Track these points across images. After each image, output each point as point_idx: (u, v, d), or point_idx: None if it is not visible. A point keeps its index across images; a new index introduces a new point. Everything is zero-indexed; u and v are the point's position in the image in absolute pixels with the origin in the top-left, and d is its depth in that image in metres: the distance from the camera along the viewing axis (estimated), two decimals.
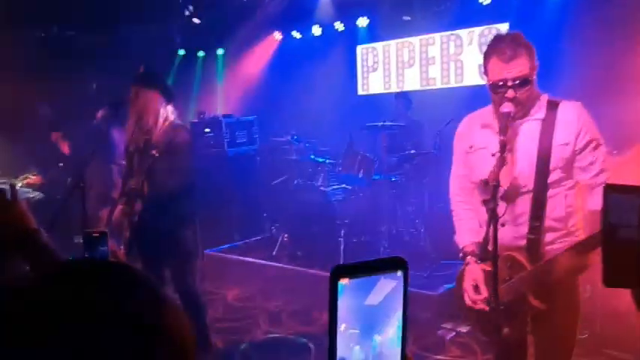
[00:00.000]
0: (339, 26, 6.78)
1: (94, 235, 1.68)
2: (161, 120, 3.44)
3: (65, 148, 4.97)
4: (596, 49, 4.63)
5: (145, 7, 6.17)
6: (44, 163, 6.02)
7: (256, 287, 5.18)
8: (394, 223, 5.12)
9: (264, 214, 6.22)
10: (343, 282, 0.51)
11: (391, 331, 0.54)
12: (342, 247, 4.90)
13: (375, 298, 0.53)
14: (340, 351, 0.51)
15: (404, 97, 5.98)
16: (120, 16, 6.25)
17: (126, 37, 6.43)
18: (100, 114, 4.94)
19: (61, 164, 5.24)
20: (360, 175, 5.21)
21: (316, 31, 6.92)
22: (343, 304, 0.51)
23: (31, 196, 5.92)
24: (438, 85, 6.38)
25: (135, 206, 3.44)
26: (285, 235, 5.46)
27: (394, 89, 6.58)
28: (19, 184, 7.08)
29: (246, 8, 6.36)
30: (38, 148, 5.48)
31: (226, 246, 5.95)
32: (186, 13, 6.63)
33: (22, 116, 5.16)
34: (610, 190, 0.80)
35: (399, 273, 0.53)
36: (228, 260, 5.63)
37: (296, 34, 7.09)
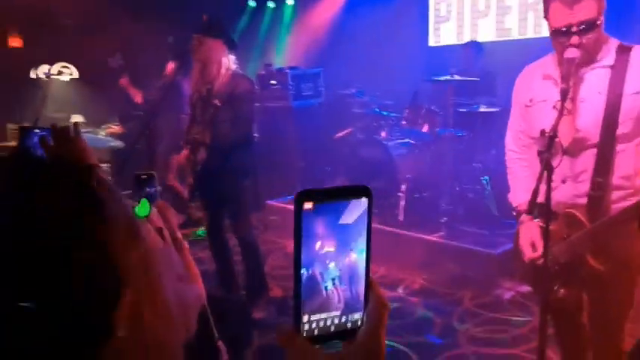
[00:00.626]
0: None
1: (142, 176, 1.73)
2: (223, 69, 3.49)
3: (138, 98, 5.16)
4: None
5: None
6: (125, 114, 6.32)
7: None
8: (458, 180, 4.97)
9: (327, 168, 6.23)
10: (307, 206, 0.52)
11: (363, 252, 0.56)
12: (402, 202, 4.83)
13: (349, 217, 0.54)
14: (317, 268, 0.53)
15: (474, 45, 5.66)
16: None
17: None
18: (169, 66, 5.08)
19: (141, 113, 5.45)
20: (425, 130, 5.07)
21: None
22: (318, 224, 0.52)
23: (113, 144, 6.24)
24: (514, 36, 6.00)
25: (198, 154, 3.55)
26: None
27: (467, 40, 6.26)
28: (102, 134, 7.51)
29: None
30: (119, 99, 5.73)
31: (289, 197, 6.05)
32: None
33: (102, 69, 5.38)
34: None
35: (364, 200, 0.55)
36: (290, 211, 5.73)
37: None
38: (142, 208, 1.42)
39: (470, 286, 4.04)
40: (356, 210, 0.54)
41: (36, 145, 1.34)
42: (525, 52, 5.26)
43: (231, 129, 3.47)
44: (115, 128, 6.81)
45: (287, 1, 7.87)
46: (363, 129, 5.70)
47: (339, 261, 0.54)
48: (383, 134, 5.34)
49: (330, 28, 7.04)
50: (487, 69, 5.38)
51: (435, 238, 4.51)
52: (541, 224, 1.93)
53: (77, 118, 8.27)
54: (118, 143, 6.20)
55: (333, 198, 0.53)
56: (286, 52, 7.46)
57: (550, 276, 1.90)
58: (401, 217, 4.79)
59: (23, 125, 1.43)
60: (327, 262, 0.54)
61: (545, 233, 1.76)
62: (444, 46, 6.62)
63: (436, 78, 5.04)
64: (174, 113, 4.85)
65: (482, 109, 4.94)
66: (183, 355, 1.40)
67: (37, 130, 1.37)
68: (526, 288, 3.59)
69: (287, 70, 6.44)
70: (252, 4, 7.86)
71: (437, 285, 4.20)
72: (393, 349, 3.22)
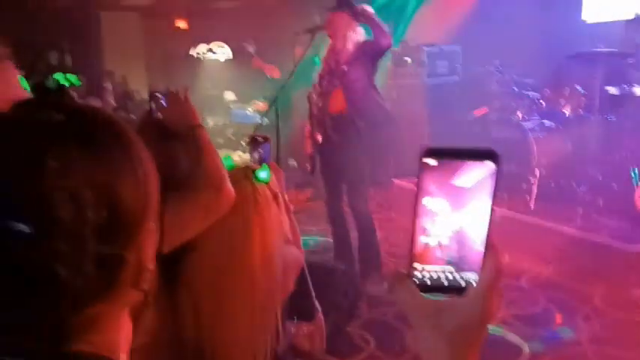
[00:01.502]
0: None
1: (258, 138, 1.88)
2: (350, 43, 3.58)
3: (274, 73, 5.44)
4: None
5: None
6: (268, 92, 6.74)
7: None
8: (601, 169, 4.54)
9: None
10: (431, 162, 0.54)
11: (479, 215, 0.56)
12: (535, 188, 4.55)
13: (470, 179, 0.55)
14: (432, 223, 0.55)
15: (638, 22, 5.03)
16: None
17: None
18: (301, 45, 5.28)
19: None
20: (567, 111, 4.69)
21: None
22: (439, 180, 0.54)
23: (259, 121, 6.70)
24: None
25: (319, 127, 3.69)
26: None
27: (628, 16, 5.58)
28: (250, 109, 8.08)
29: None
30: (264, 77, 6.10)
31: (415, 177, 5.99)
32: None
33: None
34: None
35: (489, 163, 0.55)
36: (413, 191, 5.68)
37: None
38: (264, 172, 1.57)
39: (601, 282, 3.72)
40: (480, 172, 0.54)
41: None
42: None
43: (361, 90, 3.55)
44: (261, 105, 7.26)
45: None
46: (500, 109, 5.42)
47: (457, 220, 0.55)
48: (519, 115, 5.04)
49: (472, 2, 6.72)
50: None
51: (567, 229, 4.20)
52: None
53: (229, 95, 9.00)
54: (264, 120, 6.65)
55: (457, 157, 0.54)
56: (424, 28, 7.28)
57: None
58: (532, 204, 4.53)
59: (152, 91, 1.68)
60: (445, 218, 0.55)
61: None
62: (600, 23, 5.98)
63: (582, 52, 4.61)
64: (305, 88, 5.05)
65: (637, 90, 4.42)
66: (279, 309, 1.54)
67: (158, 95, 1.58)
68: None
69: (423, 47, 6.32)
70: None
71: (565, 278, 3.93)
72: (502, 337, 3.12)
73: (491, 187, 0.55)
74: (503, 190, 4.87)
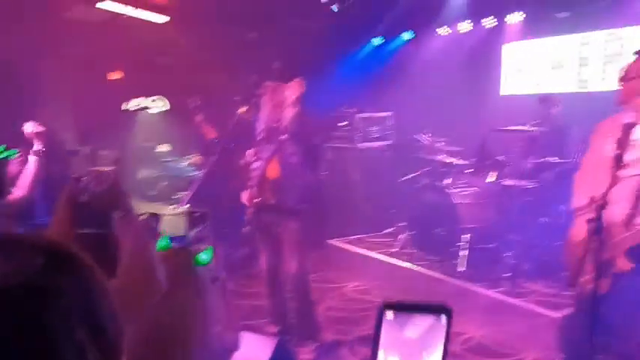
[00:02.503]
0: (486, 23, 6.48)
1: (195, 213, 1.78)
2: (292, 111, 3.64)
3: (211, 134, 5.43)
4: None
5: (297, 6, 6.51)
6: (206, 147, 6.67)
7: (374, 282, 5.23)
8: (524, 233, 4.80)
9: (392, 211, 6.22)
10: (389, 314, 0.56)
11: None
12: (463, 252, 4.73)
13: (414, 331, 0.57)
14: None
15: (548, 100, 5.46)
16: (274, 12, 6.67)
17: (279, 31, 6.84)
18: (242, 108, 5.33)
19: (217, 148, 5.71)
20: (491, 179, 4.98)
21: (464, 27, 6.68)
22: (387, 334, 0.56)
23: (193, 174, 6.59)
24: (593, 89, 5.80)
25: (261, 189, 3.68)
26: (409, 234, 5.42)
27: (542, 91, 6.11)
28: (185, 164, 7.94)
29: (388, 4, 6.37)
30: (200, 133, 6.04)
31: (351, 238, 6.08)
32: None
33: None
34: None
35: (443, 317, 0.58)
36: (350, 253, 5.75)
37: (441, 31, 6.92)
38: (204, 255, 1.50)
39: (530, 348, 3.86)
40: (426, 323, 0.57)
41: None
42: (604, 105, 5.08)
43: (295, 164, 3.59)
44: (196, 159, 7.17)
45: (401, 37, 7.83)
46: (429, 174, 5.67)
47: None
48: (449, 181, 5.29)
49: (401, 74, 7.12)
50: (560, 122, 5.19)
51: (495, 294, 4.36)
52: None
53: (164, 147, 8.82)
54: (198, 173, 6.55)
55: (412, 311, 0.57)
56: (355, 95, 7.59)
57: None
58: (461, 268, 4.68)
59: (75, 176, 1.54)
60: None
61: None
62: (515, 95, 6.50)
63: (506, 128, 4.96)
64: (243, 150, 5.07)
65: (553, 160, 4.79)
66: None
67: (83, 177, 1.48)
68: None
69: (356, 113, 6.58)
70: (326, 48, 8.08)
71: (494, 343, 4.04)
72: None
73: (443, 339, 0.58)
74: (433, 254, 5.04)
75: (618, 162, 1.74)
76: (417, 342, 0.56)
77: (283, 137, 3.58)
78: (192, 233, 1.74)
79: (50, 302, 0.54)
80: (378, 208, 6.34)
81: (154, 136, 8.78)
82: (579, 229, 2.35)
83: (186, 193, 5.82)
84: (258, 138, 3.80)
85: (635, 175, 2.02)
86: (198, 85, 6.10)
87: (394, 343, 0.56)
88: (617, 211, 2.19)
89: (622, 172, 1.85)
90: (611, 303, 2.23)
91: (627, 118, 1.81)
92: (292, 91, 3.64)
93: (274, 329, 3.78)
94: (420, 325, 0.56)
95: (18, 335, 0.52)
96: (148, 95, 8.01)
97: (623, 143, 1.77)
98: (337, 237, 6.01)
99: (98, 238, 1.39)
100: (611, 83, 5.64)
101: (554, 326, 3.79)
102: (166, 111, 8.43)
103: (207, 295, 1.43)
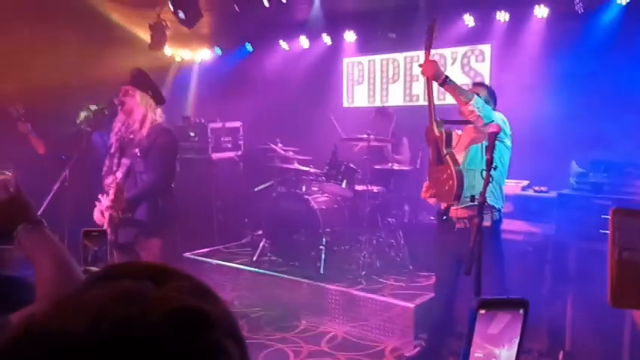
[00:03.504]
0: (326, 39, 6.88)
1: (93, 233, 1.66)
2: (148, 122, 3.48)
3: (40, 148, 4.90)
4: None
5: None
6: (22, 163, 5.94)
7: (235, 292, 5.22)
8: (375, 234, 5.22)
9: (246, 220, 6.26)
10: (481, 312, 0.61)
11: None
12: (322, 255, 4.97)
13: (496, 326, 0.62)
14: None
15: (383, 113, 5.94)
16: None
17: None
18: (81, 117, 4.90)
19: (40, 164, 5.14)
20: (343, 185, 5.31)
21: (304, 43, 7.01)
22: (483, 329, 0.62)
23: None
24: (422, 102, 6.52)
25: (116, 205, 3.46)
26: (267, 242, 5.51)
27: (378, 103, 6.70)
28: None
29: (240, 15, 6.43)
30: (19, 147, 5.40)
31: (206, 250, 5.98)
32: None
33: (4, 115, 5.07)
34: (618, 213, 0.83)
35: (521, 311, 0.63)
36: (207, 264, 5.65)
37: (284, 45, 7.17)
38: None
39: (390, 337, 4.21)
40: (513, 320, 0.62)
41: None
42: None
43: (145, 180, 3.46)
44: (8, 176, 6.37)
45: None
46: (283, 183, 5.84)
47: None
48: (303, 188, 5.52)
49: (250, 85, 7.22)
50: (396, 132, 5.72)
51: (355, 292, 4.65)
52: None
53: None
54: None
55: (499, 308, 0.62)
56: (205, 106, 7.51)
57: None
58: (322, 270, 4.92)
59: None
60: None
61: None
62: (357, 107, 7.03)
63: (351, 136, 5.37)
64: (86, 165, 4.68)
65: (396, 167, 5.30)
66: None
67: None
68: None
69: (206, 123, 6.50)
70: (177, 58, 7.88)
71: (357, 337, 4.33)
72: None
73: (519, 332, 0.64)
74: (293, 259, 5.21)
75: None
76: (497, 336, 0.62)
77: (136, 151, 3.42)
78: (90, 253, 1.61)
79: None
80: (234, 218, 6.33)
81: None
82: None
83: None
84: (111, 149, 3.57)
85: None
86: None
87: (480, 339, 0.62)
88: None
89: None
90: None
91: None
92: (147, 101, 3.50)
93: None
94: (502, 320, 0.62)
95: None
96: None
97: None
98: (192, 250, 5.86)
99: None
100: (435, 97, 6.41)
101: (410, 315, 4.22)
102: None
103: None
